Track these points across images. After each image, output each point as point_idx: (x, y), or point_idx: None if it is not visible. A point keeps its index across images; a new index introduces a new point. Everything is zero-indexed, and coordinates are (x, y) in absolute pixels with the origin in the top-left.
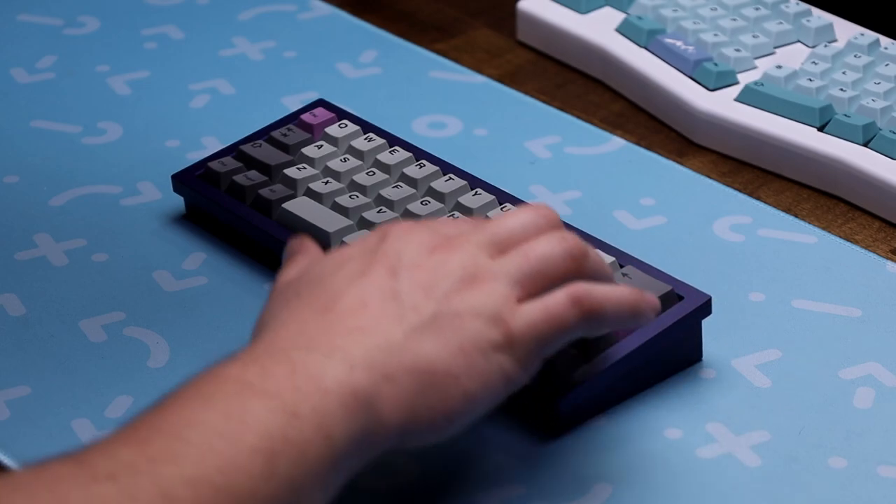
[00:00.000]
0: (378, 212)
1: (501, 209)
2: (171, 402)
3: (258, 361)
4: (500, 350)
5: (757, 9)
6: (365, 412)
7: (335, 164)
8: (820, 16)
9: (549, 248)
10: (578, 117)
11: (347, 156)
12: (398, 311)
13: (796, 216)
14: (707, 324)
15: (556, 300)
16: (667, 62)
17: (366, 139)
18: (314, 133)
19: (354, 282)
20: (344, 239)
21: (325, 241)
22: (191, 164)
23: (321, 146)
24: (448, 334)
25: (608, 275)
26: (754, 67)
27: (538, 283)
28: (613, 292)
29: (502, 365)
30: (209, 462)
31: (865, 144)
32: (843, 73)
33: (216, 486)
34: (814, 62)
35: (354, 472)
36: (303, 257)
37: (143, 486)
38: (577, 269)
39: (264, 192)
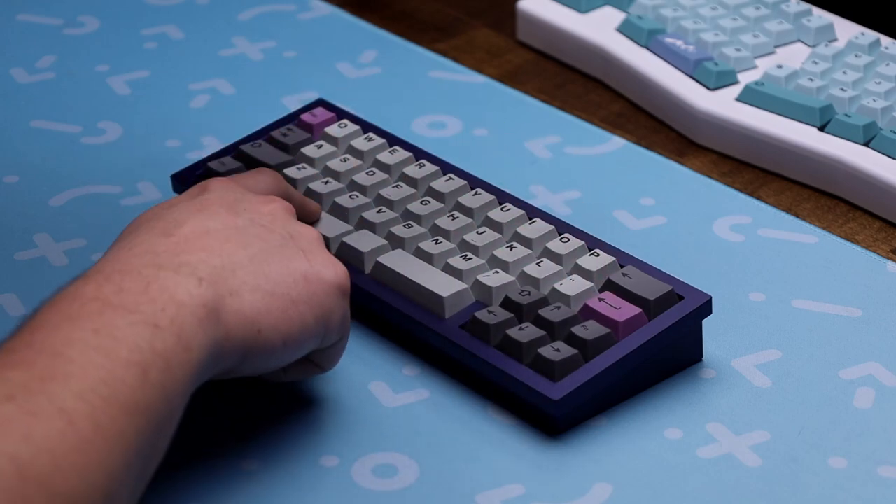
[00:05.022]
0: (378, 211)
1: (501, 209)
2: (40, 325)
3: (111, 280)
4: (335, 291)
5: (757, 8)
6: (214, 325)
7: (335, 164)
8: (820, 15)
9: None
10: (578, 117)
11: (347, 155)
12: (243, 239)
13: (797, 216)
14: (707, 324)
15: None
16: (667, 62)
17: (366, 139)
18: (314, 133)
19: (195, 214)
20: (344, 239)
21: (324, 242)
22: (191, 164)
23: (321, 146)
24: (295, 263)
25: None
26: (755, 67)
27: None
28: None
29: (339, 303)
30: (92, 376)
31: (866, 144)
32: (844, 72)
33: (103, 397)
34: (814, 62)
35: (202, 382)
36: None
37: (40, 403)
38: None
39: None
